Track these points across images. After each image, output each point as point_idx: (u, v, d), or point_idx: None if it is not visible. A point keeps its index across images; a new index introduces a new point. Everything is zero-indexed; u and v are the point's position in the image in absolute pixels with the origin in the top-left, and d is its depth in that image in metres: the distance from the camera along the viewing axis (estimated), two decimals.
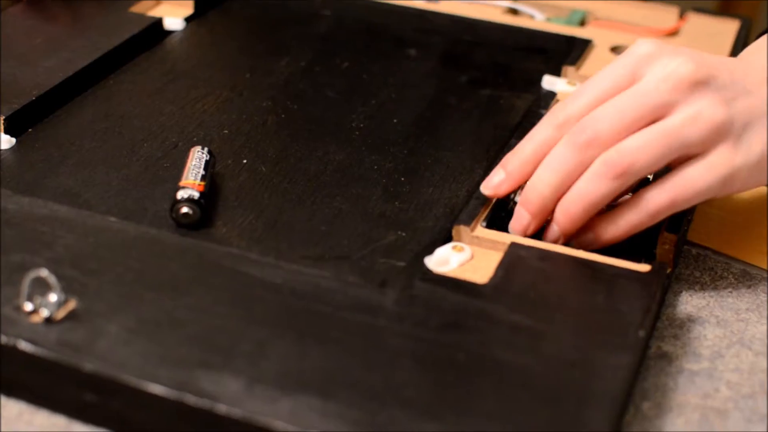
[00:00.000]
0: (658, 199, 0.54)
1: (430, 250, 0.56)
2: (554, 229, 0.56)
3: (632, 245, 0.56)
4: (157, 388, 0.46)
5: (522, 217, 0.56)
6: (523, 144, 0.57)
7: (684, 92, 0.53)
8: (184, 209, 0.56)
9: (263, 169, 0.63)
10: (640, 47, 0.55)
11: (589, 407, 0.45)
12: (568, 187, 0.55)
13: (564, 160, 0.54)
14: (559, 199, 0.55)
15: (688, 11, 0.85)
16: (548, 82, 0.73)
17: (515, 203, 0.58)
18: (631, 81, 0.55)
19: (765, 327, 0.56)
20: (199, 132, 0.66)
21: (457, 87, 0.74)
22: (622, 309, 0.51)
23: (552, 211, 0.55)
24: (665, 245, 0.56)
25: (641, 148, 0.53)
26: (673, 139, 0.53)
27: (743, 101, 0.54)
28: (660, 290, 0.53)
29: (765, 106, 0.55)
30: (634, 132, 0.53)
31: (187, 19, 0.81)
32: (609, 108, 0.54)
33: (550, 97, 0.70)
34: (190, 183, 0.57)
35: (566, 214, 0.55)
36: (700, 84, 0.53)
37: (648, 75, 0.54)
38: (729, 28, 0.83)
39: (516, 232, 0.57)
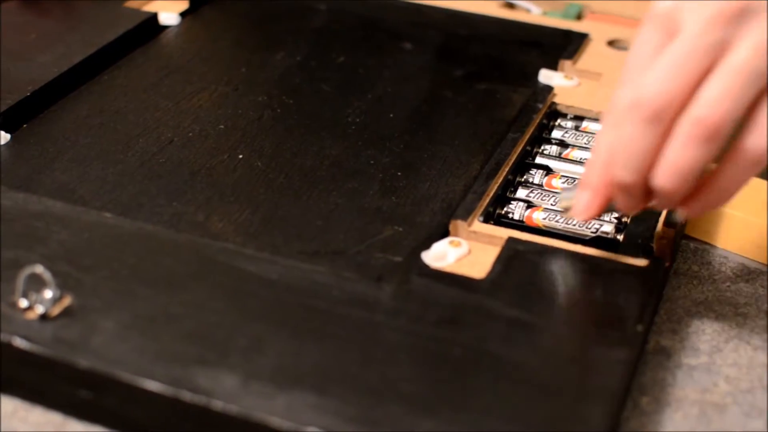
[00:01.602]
0: (760, 145, 0.47)
1: (426, 245, 0.55)
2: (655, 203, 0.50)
3: (630, 239, 0.56)
4: (152, 385, 0.46)
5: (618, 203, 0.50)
6: (594, 155, 0.51)
7: (731, 25, 0.47)
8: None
9: (259, 164, 0.63)
10: (660, 4, 0.49)
11: (587, 402, 0.45)
12: (650, 166, 0.48)
13: (638, 139, 0.47)
14: (643, 181, 0.48)
15: None
16: (545, 75, 0.72)
17: (524, 200, 0.58)
18: (670, 40, 0.48)
19: (764, 321, 0.55)
20: (194, 127, 0.66)
21: (453, 81, 0.73)
22: (620, 303, 0.51)
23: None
24: (663, 239, 0.55)
25: (724, 95, 0.46)
26: (749, 73, 0.46)
27: None
28: (658, 284, 0.53)
29: None
30: (697, 82, 0.47)
31: (182, 14, 0.81)
32: (660, 69, 0.47)
33: (547, 91, 0.70)
34: None
35: (666, 186, 0.47)
36: (743, 13, 0.47)
37: (686, 22, 0.47)
38: None
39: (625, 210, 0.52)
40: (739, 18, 0.46)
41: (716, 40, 0.46)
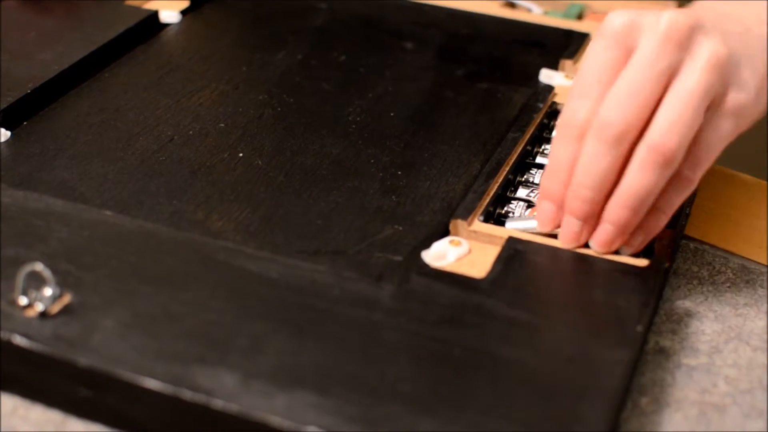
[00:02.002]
0: (697, 173, 0.52)
1: (427, 245, 0.55)
2: (608, 229, 0.52)
3: None
4: (152, 383, 0.46)
5: (572, 224, 0.53)
6: (555, 166, 0.54)
7: (684, 44, 0.51)
8: None
9: (259, 162, 0.63)
10: (616, 21, 0.52)
11: (587, 403, 0.45)
12: (612, 184, 0.52)
13: (601, 159, 0.51)
14: (605, 198, 0.52)
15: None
16: (546, 75, 0.72)
17: (525, 200, 0.58)
18: (626, 56, 0.52)
19: (763, 322, 0.55)
20: (194, 125, 0.66)
21: (455, 80, 0.73)
22: (619, 304, 0.51)
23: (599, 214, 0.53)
24: (663, 240, 0.55)
25: (677, 122, 0.50)
26: (702, 93, 0.51)
27: (730, 38, 0.53)
28: (658, 285, 0.53)
29: (750, 41, 0.54)
30: (655, 104, 0.51)
31: (183, 12, 0.81)
32: (622, 92, 0.51)
33: (548, 90, 0.70)
34: None
35: (624, 211, 0.52)
36: (694, 30, 0.51)
37: (642, 42, 0.52)
38: None
39: (568, 242, 0.54)
40: (689, 38, 0.51)
41: (669, 64, 0.51)
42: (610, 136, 0.51)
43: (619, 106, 0.50)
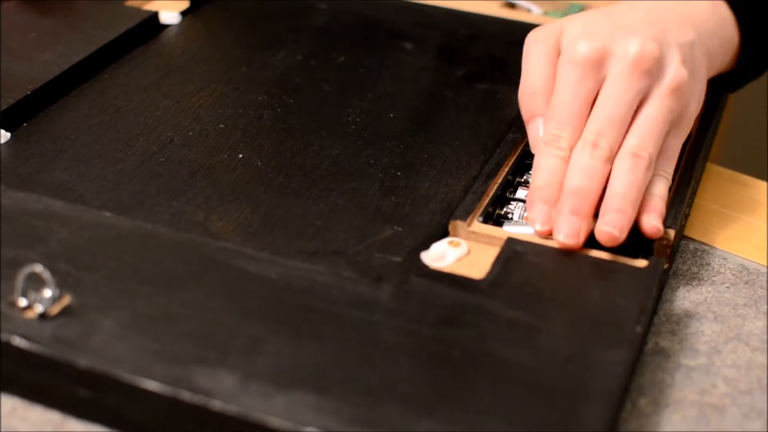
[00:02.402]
0: (668, 170, 0.59)
1: (426, 246, 0.55)
2: (617, 215, 0.55)
3: (629, 240, 0.56)
4: (151, 384, 0.46)
5: (571, 221, 0.54)
6: (546, 177, 0.57)
7: (653, 72, 0.57)
8: None
9: (259, 163, 0.63)
10: (585, 49, 0.57)
11: (586, 403, 0.45)
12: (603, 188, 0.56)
13: (596, 170, 0.56)
14: (598, 201, 0.56)
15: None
16: None
17: (524, 201, 0.58)
18: (598, 83, 0.58)
19: (762, 322, 0.55)
20: (194, 126, 0.66)
21: (454, 81, 0.73)
22: (619, 304, 0.51)
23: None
24: (662, 240, 0.55)
25: (650, 138, 0.57)
26: (667, 117, 0.57)
27: (685, 50, 0.59)
28: (657, 285, 0.53)
29: (698, 53, 0.61)
30: (630, 124, 0.57)
31: (183, 13, 0.81)
32: (604, 119, 0.57)
33: None
34: None
35: (626, 200, 0.55)
36: (659, 59, 0.57)
37: (612, 71, 0.57)
38: None
39: (569, 236, 0.54)
40: (657, 65, 0.57)
41: (638, 91, 0.57)
42: (601, 156, 0.56)
43: (604, 135, 0.56)
